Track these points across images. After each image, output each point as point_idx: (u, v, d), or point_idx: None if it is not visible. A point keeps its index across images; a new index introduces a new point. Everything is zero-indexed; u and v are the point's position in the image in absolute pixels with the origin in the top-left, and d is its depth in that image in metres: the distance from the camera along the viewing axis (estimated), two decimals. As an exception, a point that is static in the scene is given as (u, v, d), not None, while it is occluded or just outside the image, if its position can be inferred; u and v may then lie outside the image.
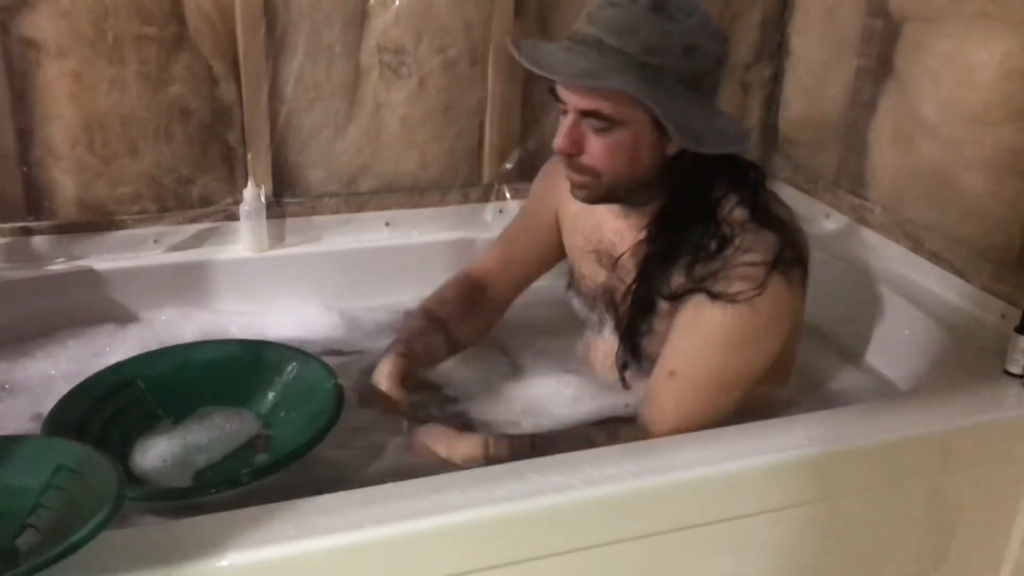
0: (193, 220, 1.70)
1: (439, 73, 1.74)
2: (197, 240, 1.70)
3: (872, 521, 1.24)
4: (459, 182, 1.83)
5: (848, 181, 1.82)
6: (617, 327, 1.34)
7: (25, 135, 1.57)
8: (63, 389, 1.29)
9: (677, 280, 1.24)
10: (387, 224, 1.80)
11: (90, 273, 1.62)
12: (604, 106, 1.18)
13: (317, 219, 1.76)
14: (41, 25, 1.52)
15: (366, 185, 1.79)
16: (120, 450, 1.26)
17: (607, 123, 1.19)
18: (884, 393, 1.47)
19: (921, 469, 1.25)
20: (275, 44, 1.65)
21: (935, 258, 1.60)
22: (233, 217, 1.71)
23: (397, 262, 1.76)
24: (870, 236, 1.75)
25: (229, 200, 1.71)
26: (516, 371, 1.50)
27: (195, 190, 1.70)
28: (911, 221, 1.66)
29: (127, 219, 1.66)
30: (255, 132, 1.67)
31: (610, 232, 1.35)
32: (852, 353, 1.62)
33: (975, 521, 1.31)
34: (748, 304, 1.18)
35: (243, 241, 1.71)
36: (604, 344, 1.39)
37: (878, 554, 1.27)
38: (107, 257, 1.64)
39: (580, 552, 1.08)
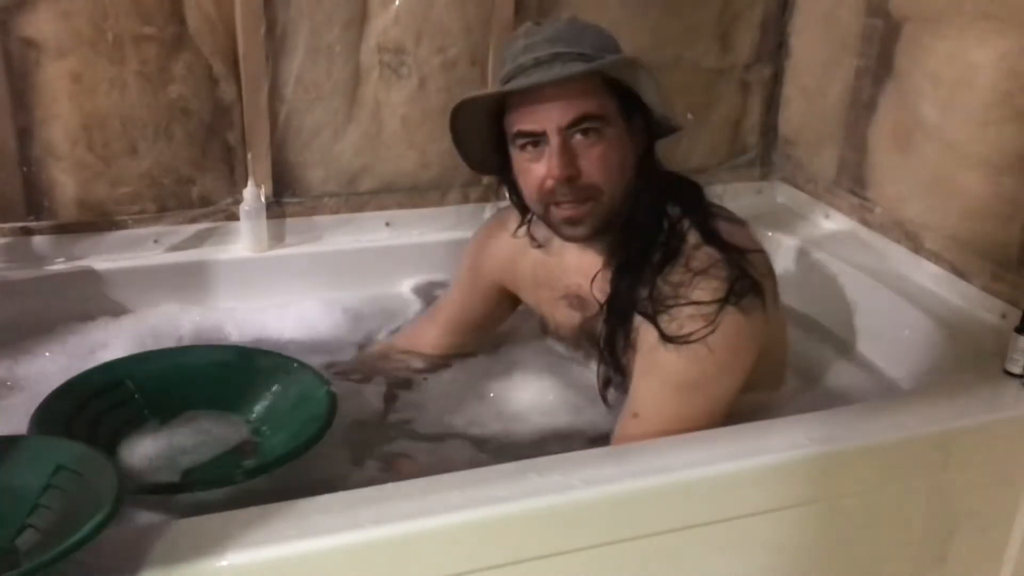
0: (193, 220, 1.70)
1: (439, 73, 1.74)
2: (197, 240, 1.70)
3: (872, 521, 1.24)
4: (459, 182, 1.83)
5: (848, 181, 1.82)
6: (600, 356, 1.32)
7: (25, 135, 1.57)
8: (61, 387, 1.29)
9: (643, 293, 1.22)
10: (387, 224, 1.80)
11: (90, 273, 1.62)
12: (591, 105, 1.18)
13: (317, 219, 1.76)
14: (41, 25, 1.52)
15: (366, 185, 1.79)
16: (107, 450, 1.24)
17: (597, 123, 1.19)
18: (884, 393, 1.47)
19: (921, 469, 1.25)
20: (275, 44, 1.65)
21: (935, 258, 1.60)
22: (233, 217, 1.71)
23: (397, 262, 1.76)
24: (870, 236, 1.75)
25: (229, 200, 1.71)
26: (496, 378, 1.49)
27: (195, 190, 1.70)
28: (911, 221, 1.66)
29: (127, 219, 1.66)
30: (255, 132, 1.67)
31: (574, 273, 1.33)
32: (852, 353, 1.62)
33: (975, 521, 1.31)
34: (702, 344, 1.17)
35: (243, 241, 1.71)
36: (592, 376, 1.37)
37: (878, 554, 1.27)
38: (107, 257, 1.64)
39: (580, 552, 1.08)
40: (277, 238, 1.74)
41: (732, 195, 1.96)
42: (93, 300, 1.61)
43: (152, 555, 0.93)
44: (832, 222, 1.85)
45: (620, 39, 1.69)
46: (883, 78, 1.71)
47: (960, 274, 1.56)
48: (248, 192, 1.67)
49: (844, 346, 1.64)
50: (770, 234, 1.85)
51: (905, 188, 1.68)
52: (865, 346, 1.62)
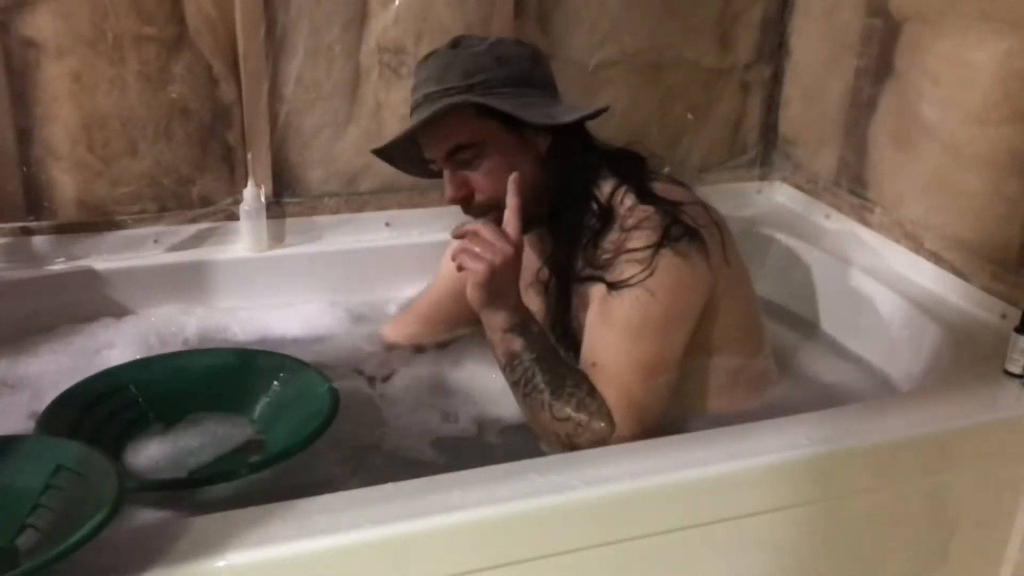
0: (193, 220, 1.70)
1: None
2: (197, 240, 1.70)
3: (872, 521, 1.24)
4: (459, 182, 1.83)
5: (848, 181, 1.82)
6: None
7: (25, 135, 1.57)
8: (63, 388, 1.29)
9: (580, 264, 1.28)
10: (387, 224, 1.80)
11: (90, 273, 1.62)
12: (461, 135, 1.26)
13: (317, 219, 1.76)
14: (41, 25, 1.52)
15: (366, 185, 1.79)
16: (112, 454, 1.24)
17: (471, 150, 1.27)
18: (884, 393, 1.47)
19: (921, 469, 1.25)
20: (275, 44, 1.65)
21: (935, 258, 1.60)
22: (233, 217, 1.71)
23: (397, 262, 1.76)
24: (870, 236, 1.75)
25: (229, 200, 1.71)
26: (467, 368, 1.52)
27: (195, 190, 1.70)
28: (911, 221, 1.66)
29: (127, 219, 1.66)
30: (255, 132, 1.67)
31: (535, 260, 1.36)
32: (852, 353, 1.62)
33: (975, 521, 1.31)
34: (641, 287, 1.21)
35: (243, 241, 1.71)
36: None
37: (878, 554, 1.27)
38: (107, 257, 1.64)
39: (580, 552, 1.08)
40: (277, 238, 1.74)
41: (732, 195, 1.98)
42: (93, 300, 1.61)
43: (152, 555, 0.93)
44: (832, 222, 1.85)
45: (620, 39, 1.69)
46: (883, 78, 1.71)
47: (960, 274, 1.56)
48: (248, 192, 1.67)
49: (844, 346, 1.65)
50: (770, 234, 1.86)
51: (905, 188, 1.68)
52: (865, 346, 1.62)
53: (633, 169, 1.32)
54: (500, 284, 1.20)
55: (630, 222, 1.24)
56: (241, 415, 1.35)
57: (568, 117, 1.28)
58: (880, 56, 1.71)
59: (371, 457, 1.31)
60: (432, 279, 1.60)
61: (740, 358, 1.36)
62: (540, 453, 1.21)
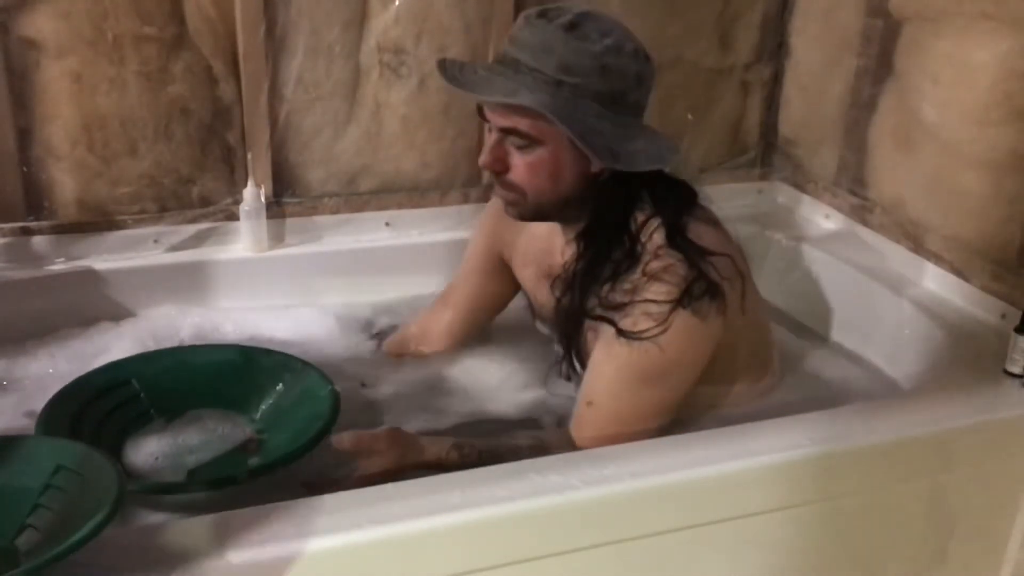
0: (193, 220, 1.70)
1: (439, 73, 1.74)
2: (197, 240, 1.70)
3: (872, 521, 1.24)
4: (459, 182, 1.83)
5: (848, 181, 1.82)
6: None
7: (25, 135, 1.57)
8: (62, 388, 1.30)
9: (595, 299, 1.25)
10: (387, 224, 1.80)
11: (90, 273, 1.62)
12: (522, 124, 1.21)
13: (317, 219, 1.76)
14: (41, 25, 1.52)
15: (366, 185, 1.79)
16: (113, 448, 1.26)
17: (526, 141, 1.22)
18: (884, 393, 1.47)
19: (921, 469, 1.25)
20: (275, 44, 1.64)
21: (935, 258, 1.60)
22: (233, 217, 1.71)
23: (397, 262, 1.76)
24: (870, 236, 1.75)
25: (229, 200, 1.71)
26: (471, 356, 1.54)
27: (195, 190, 1.70)
28: (911, 221, 1.66)
29: (127, 219, 1.66)
30: (255, 132, 1.67)
31: (558, 254, 1.35)
32: (852, 353, 1.62)
33: (975, 521, 1.31)
34: (652, 342, 1.19)
35: (243, 241, 1.71)
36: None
37: (878, 554, 1.27)
38: (107, 257, 1.64)
39: (580, 552, 1.08)
40: (277, 238, 1.74)
41: (732, 195, 1.98)
42: (93, 300, 1.61)
43: (152, 555, 0.93)
44: (832, 222, 1.85)
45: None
46: (883, 78, 1.71)
47: (960, 274, 1.56)
48: (248, 192, 1.67)
49: (843, 346, 1.65)
50: (770, 234, 1.86)
51: (905, 188, 1.68)
52: (865, 346, 1.62)
53: (673, 203, 1.27)
54: (400, 462, 1.18)
55: (653, 266, 1.21)
56: (242, 413, 1.35)
57: (628, 164, 1.21)
58: (880, 56, 1.71)
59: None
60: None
61: (742, 384, 1.35)
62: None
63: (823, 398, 1.45)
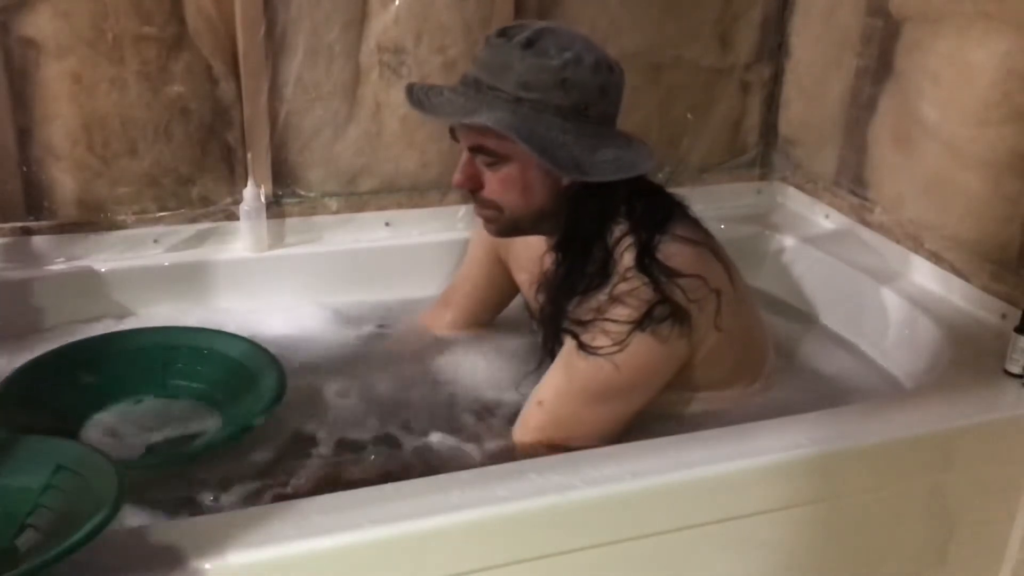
0: (193, 220, 1.70)
1: (439, 73, 1.74)
2: (197, 240, 1.70)
3: (872, 521, 1.24)
4: (459, 182, 1.83)
5: (848, 181, 1.82)
6: None
7: (25, 135, 1.57)
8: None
9: (567, 311, 1.27)
10: (387, 224, 1.80)
11: (90, 273, 1.62)
12: (488, 142, 1.23)
13: (317, 219, 1.76)
14: (41, 25, 1.52)
15: (366, 185, 1.79)
16: (66, 428, 1.30)
17: (494, 158, 1.24)
18: (884, 393, 1.47)
19: (921, 469, 1.25)
20: (275, 44, 1.64)
21: (935, 258, 1.60)
22: (233, 217, 1.71)
23: (397, 262, 1.76)
24: (870, 236, 1.75)
25: (229, 200, 1.71)
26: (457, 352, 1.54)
27: (195, 190, 1.70)
28: (911, 221, 1.66)
29: (127, 219, 1.66)
30: (255, 132, 1.67)
31: (544, 261, 1.35)
32: (851, 353, 1.62)
33: (975, 521, 1.31)
34: (608, 360, 1.21)
35: (243, 241, 1.71)
36: None
37: (878, 554, 1.27)
38: (107, 257, 1.64)
39: (580, 552, 1.08)
40: (277, 238, 1.74)
41: (732, 195, 1.98)
42: (93, 300, 1.61)
43: (152, 555, 0.93)
44: (832, 222, 1.85)
45: (620, 39, 1.68)
46: (883, 78, 1.71)
47: (960, 274, 1.56)
48: (248, 192, 1.67)
49: (843, 346, 1.65)
50: (770, 234, 1.86)
51: (905, 188, 1.68)
52: (865, 346, 1.62)
53: (649, 219, 1.26)
54: None
55: (619, 289, 1.22)
56: (191, 393, 1.40)
57: (597, 175, 1.22)
58: (880, 56, 1.71)
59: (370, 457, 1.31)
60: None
61: (731, 390, 1.35)
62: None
63: (823, 398, 1.45)
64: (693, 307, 1.22)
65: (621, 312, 1.21)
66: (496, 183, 1.26)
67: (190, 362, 1.44)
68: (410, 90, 1.29)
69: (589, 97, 1.23)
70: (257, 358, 1.40)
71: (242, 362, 1.41)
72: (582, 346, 1.22)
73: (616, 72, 1.26)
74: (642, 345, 1.21)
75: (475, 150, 1.25)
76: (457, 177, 1.28)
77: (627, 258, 1.24)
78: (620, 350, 1.20)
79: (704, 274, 1.24)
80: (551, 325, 1.30)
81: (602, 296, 1.23)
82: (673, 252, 1.24)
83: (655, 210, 1.28)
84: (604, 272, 1.24)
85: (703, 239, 1.29)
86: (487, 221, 1.31)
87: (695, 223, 1.31)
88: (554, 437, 1.24)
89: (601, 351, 1.21)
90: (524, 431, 1.27)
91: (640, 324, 1.20)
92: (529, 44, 1.21)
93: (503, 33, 1.24)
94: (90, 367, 1.40)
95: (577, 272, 1.27)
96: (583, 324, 1.24)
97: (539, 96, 1.20)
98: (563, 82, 1.20)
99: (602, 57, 1.25)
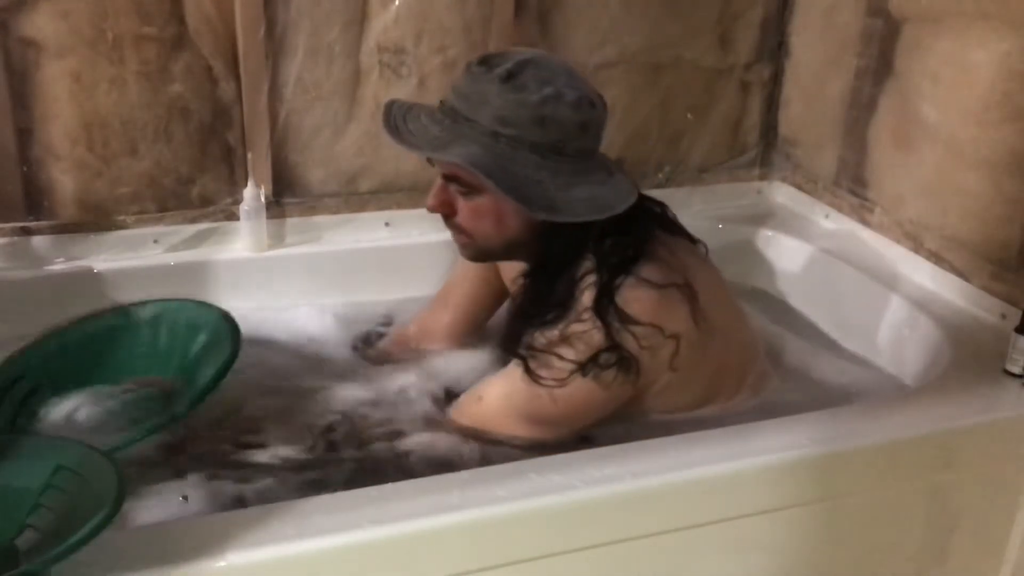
0: (193, 220, 1.70)
1: (439, 73, 1.74)
2: (197, 240, 1.70)
3: (873, 521, 1.24)
4: (459, 182, 1.83)
5: (848, 181, 1.82)
6: None
7: (25, 135, 1.57)
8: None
9: (525, 335, 1.27)
10: (387, 224, 1.80)
11: (90, 273, 1.62)
12: (462, 173, 1.22)
13: (317, 219, 1.76)
14: (41, 25, 1.52)
15: (366, 185, 1.79)
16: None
17: (467, 188, 1.23)
18: (884, 392, 1.47)
19: (921, 469, 1.25)
20: (275, 44, 1.64)
21: (935, 258, 1.60)
22: (233, 217, 1.71)
23: (397, 262, 1.76)
24: (870, 236, 1.75)
25: (229, 200, 1.71)
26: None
27: (195, 190, 1.70)
28: (911, 221, 1.66)
29: (127, 219, 1.66)
30: (255, 132, 1.67)
31: (518, 284, 1.36)
32: (852, 353, 1.62)
33: (975, 521, 1.31)
34: (548, 391, 1.22)
35: (243, 241, 1.71)
36: None
37: (879, 554, 1.27)
38: (107, 257, 1.64)
39: (580, 552, 1.08)
40: (277, 238, 1.74)
41: (732, 195, 1.98)
42: (93, 300, 1.61)
43: (152, 555, 0.93)
44: (832, 222, 1.85)
45: (620, 39, 1.67)
46: (883, 78, 1.71)
47: (960, 274, 1.56)
48: (248, 192, 1.67)
49: (844, 346, 1.65)
50: (770, 234, 1.86)
51: (905, 188, 1.68)
52: (865, 346, 1.62)
53: (615, 259, 1.23)
54: None
55: (572, 328, 1.21)
56: (151, 367, 1.40)
57: (567, 215, 1.19)
58: (880, 56, 1.71)
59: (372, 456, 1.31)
60: (448, 273, 1.61)
61: (712, 406, 1.34)
62: (539, 453, 1.22)
63: (823, 398, 1.45)
64: (645, 354, 1.22)
65: (568, 352, 1.21)
66: (468, 212, 1.25)
67: (133, 343, 1.43)
68: (388, 111, 1.27)
69: (568, 134, 1.20)
70: (200, 314, 1.41)
71: (186, 324, 1.41)
72: (528, 371, 1.24)
73: (598, 108, 1.24)
74: (581, 388, 1.22)
75: (449, 179, 1.25)
76: (430, 202, 1.27)
77: (586, 297, 1.22)
78: (560, 387, 1.22)
79: (661, 323, 1.21)
80: (508, 343, 1.31)
81: (555, 332, 1.23)
82: (633, 298, 1.21)
83: (624, 248, 1.24)
84: (565, 306, 1.24)
85: (670, 280, 1.23)
86: (460, 245, 1.31)
87: (667, 259, 1.26)
88: (486, 432, 1.27)
89: (542, 382, 1.22)
90: (459, 415, 1.31)
91: (583, 368, 1.21)
92: (509, 77, 1.18)
93: (484, 61, 1.22)
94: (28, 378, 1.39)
95: (540, 302, 1.27)
96: (534, 351, 1.24)
97: (516, 132, 1.18)
98: (541, 119, 1.18)
99: (584, 93, 1.22)
